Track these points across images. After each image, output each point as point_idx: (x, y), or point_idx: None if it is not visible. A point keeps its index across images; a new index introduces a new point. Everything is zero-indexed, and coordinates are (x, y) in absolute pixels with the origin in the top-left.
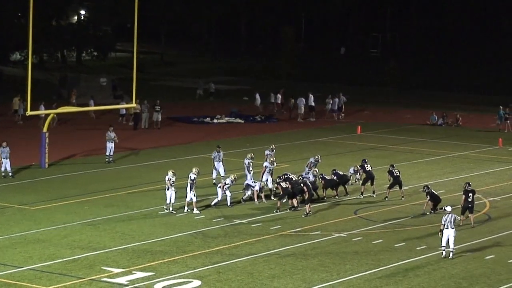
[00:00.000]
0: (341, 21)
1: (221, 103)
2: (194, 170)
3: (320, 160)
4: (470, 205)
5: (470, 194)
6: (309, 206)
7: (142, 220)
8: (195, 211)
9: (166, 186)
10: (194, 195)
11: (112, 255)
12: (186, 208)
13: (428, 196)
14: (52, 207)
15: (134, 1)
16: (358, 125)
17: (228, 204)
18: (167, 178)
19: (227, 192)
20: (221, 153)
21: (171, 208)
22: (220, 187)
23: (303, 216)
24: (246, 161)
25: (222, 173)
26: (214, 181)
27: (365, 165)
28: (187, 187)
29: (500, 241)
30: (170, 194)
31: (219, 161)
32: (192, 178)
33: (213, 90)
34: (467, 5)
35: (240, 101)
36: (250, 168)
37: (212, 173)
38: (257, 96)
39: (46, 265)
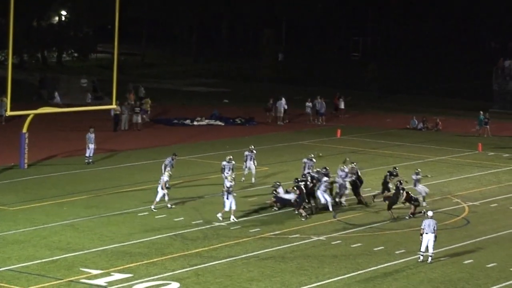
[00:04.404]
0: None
1: (202, 105)
2: (229, 178)
3: (314, 160)
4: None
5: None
6: (303, 209)
7: (121, 221)
8: (232, 218)
9: (225, 194)
10: (235, 203)
11: (91, 257)
12: (220, 215)
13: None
14: (31, 207)
15: (115, 2)
16: (338, 129)
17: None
18: (228, 184)
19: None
20: (175, 162)
21: (232, 217)
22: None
23: (303, 220)
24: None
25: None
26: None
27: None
28: (222, 195)
29: (479, 246)
30: (230, 201)
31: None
32: (228, 185)
33: (142, 95)
34: (448, 10)
35: (221, 103)
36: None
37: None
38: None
39: (24, 265)
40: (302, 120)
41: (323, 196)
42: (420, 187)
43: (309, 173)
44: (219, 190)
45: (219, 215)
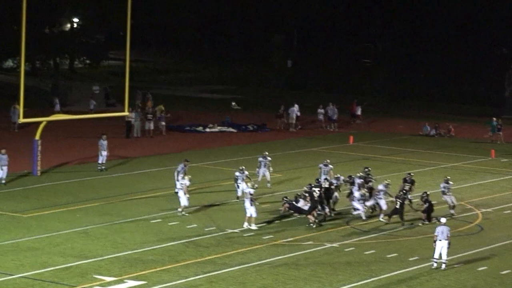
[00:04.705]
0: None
1: (213, 112)
2: (250, 184)
3: (330, 166)
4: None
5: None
6: (313, 215)
7: (134, 228)
8: (253, 226)
9: (249, 201)
10: (255, 210)
11: (104, 264)
12: (246, 224)
13: (425, 204)
14: (44, 215)
15: (127, 9)
16: (350, 135)
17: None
18: (248, 191)
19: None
20: (187, 168)
21: (253, 225)
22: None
23: (313, 226)
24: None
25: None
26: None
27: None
28: (245, 202)
29: (493, 253)
30: (253, 209)
31: (183, 174)
32: (252, 192)
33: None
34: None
35: (232, 110)
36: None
37: (176, 185)
38: (296, 107)
39: (38, 273)
40: (314, 126)
41: (358, 204)
42: (447, 197)
43: (326, 179)
44: (231, 196)
45: (245, 224)
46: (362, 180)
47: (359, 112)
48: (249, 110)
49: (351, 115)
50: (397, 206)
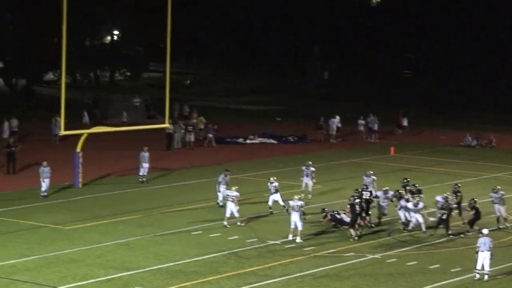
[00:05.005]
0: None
1: (253, 123)
2: (296, 196)
3: (373, 177)
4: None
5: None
6: (354, 229)
7: (175, 240)
8: (298, 239)
9: (298, 214)
10: (302, 224)
11: (146, 275)
12: (291, 236)
13: (472, 210)
14: (85, 227)
15: (167, 22)
16: (391, 146)
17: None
18: (300, 204)
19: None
20: (228, 178)
21: (298, 239)
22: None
23: (351, 240)
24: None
25: (221, 198)
26: (219, 203)
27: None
28: (292, 214)
29: None
30: (296, 219)
31: (225, 185)
32: (300, 204)
33: (186, 113)
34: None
35: (273, 121)
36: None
37: (218, 197)
38: (336, 118)
39: (80, 285)
40: (355, 137)
41: (417, 215)
42: (497, 207)
43: (370, 191)
44: (273, 208)
45: (290, 236)
46: (410, 190)
47: (405, 123)
48: (289, 121)
49: (397, 126)
50: (443, 217)
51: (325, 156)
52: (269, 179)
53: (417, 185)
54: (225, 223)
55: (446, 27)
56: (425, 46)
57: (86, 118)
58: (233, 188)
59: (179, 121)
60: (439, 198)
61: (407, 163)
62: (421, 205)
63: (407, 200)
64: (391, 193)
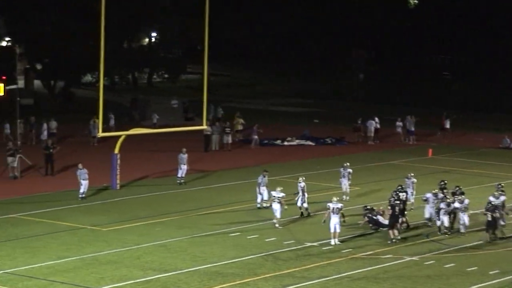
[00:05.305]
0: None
1: (291, 125)
2: (334, 198)
3: (413, 179)
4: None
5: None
6: (393, 231)
7: (213, 242)
8: (336, 241)
9: (337, 216)
10: (339, 225)
11: (184, 277)
12: (333, 240)
13: None
14: (123, 228)
15: (205, 24)
16: (429, 148)
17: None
18: (339, 206)
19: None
20: (267, 178)
21: (336, 241)
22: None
23: (389, 242)
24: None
25: (265, 198)
26: (258, 205)
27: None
28: (332, 217)
29: None
30: (336, 222)
31: (264, 186)
32: (339, 207)
33: (220, 115)
34: None
35: (311, 123)
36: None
37: (257, 198)
38: (375, 119)
39: (118, 286)
40: (393, 139)
41: (463, 217)
42: None
43: (406, 191)
44: (312, 210)
45: (332, 241)
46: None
47: (447, 125)
48: (327, 123)
49: (440, 128)
50: (489, 219)
51: (362, 158)
52: (298, 179)
53: (460, 186)
54: (277, 224)
55: (487, 30)
56: (465, 48)
57: (112, 121)
58: (278, 188)
59: (217, 123)
60: (491, 198)
61: (445, 165)
62: (466, 201)
63: (448, 204)
64: (440, 196)
